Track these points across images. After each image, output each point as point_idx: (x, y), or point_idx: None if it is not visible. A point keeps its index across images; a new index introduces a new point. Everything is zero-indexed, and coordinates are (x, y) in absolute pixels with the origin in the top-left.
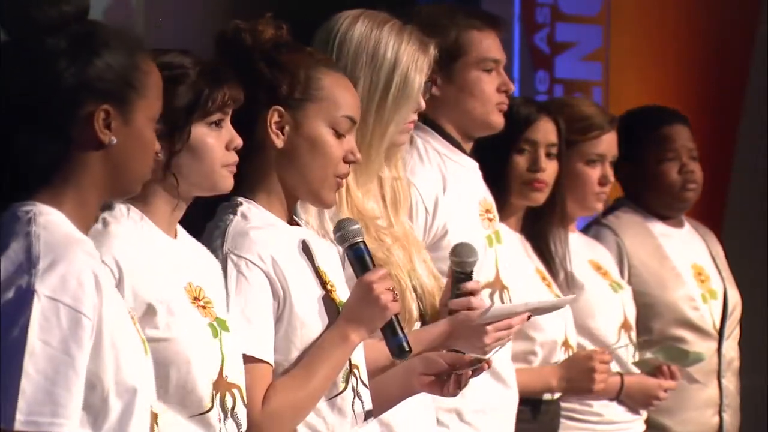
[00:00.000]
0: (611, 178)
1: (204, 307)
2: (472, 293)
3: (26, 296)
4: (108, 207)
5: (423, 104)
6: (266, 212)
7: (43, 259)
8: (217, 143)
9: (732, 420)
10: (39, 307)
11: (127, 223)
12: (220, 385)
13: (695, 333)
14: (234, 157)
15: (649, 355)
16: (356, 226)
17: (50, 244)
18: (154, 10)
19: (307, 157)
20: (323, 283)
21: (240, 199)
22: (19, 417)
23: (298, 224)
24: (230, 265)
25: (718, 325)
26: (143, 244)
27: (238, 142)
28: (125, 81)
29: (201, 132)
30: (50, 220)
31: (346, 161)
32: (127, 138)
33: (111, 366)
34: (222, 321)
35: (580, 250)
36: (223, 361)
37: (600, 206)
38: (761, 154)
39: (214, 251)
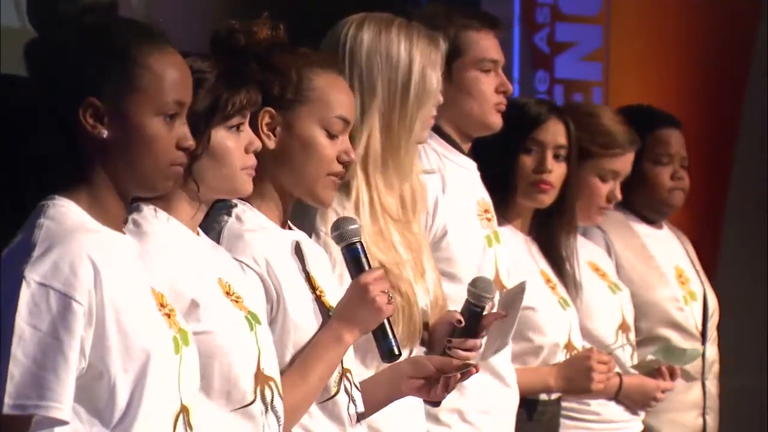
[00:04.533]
0: (618, 196)
1: (236, 302)
2: (471, 349)
3: (16, 283)
4: (136, 209)
5: (441, 98)
6: (260, 215)
7: (38, 247)
8: (237, 146)
9: (713, 423)
10: (28, 293)
11: (157, 223)
12: (259, 377)
13: (680, 333)
14: (253, 160)
15: (650, 357)
16: (354, 226)
17: (51, 232)
18: (154, 10)
19: (299, 158)
20: (312, 288)
21: (235, 200)
22: (7, 401)
23: (291, 228)
24: None
25: (700, 327)
26: (177, 242)
27: (258, 144)
28: (119, 75)
29: (221, 136)
30: (60, 211)
31: (340, 161)
32: (120, 131)
33: (117, 352)
34: (254, 314)
35: (580, 251)
36: (259, 353)
37: (600, 219)
38: (761, 155)
39: None
